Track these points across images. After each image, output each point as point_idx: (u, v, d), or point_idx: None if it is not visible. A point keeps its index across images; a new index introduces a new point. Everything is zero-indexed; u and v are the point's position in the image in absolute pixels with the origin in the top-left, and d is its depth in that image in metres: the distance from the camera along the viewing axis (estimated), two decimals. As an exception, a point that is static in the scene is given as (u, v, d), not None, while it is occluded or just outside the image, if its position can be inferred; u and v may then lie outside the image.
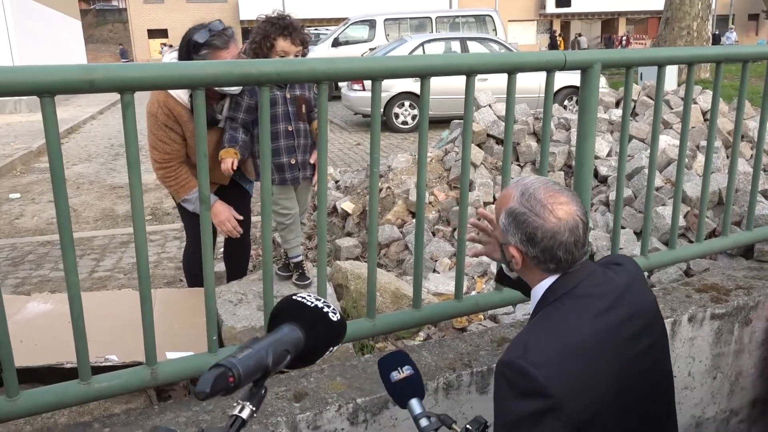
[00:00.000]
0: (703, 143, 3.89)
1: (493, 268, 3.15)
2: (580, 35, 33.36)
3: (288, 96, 2.57)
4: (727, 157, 3.78)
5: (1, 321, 1.49)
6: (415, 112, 10.43)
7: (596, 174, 3.88)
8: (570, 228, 1.34)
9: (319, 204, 1.87)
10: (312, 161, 2.66)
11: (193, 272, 2.86)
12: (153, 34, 34.04)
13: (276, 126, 2.56)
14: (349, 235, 3.97)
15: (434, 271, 3.27)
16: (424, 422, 1.34)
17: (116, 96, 17.93)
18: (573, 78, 10.05)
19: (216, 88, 2.51)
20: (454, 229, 3.64)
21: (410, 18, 15.51)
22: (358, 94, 10.44)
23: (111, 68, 1.42)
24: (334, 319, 0.99)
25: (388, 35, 14.88)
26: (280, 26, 2.51)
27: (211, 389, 0.85)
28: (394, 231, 3.65)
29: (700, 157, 3.68)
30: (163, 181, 2.60)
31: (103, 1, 45.87)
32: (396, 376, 1.41)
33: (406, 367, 1.42)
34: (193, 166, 2.54)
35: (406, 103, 10.35)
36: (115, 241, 4.84)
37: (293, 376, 2.07)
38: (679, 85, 8.47)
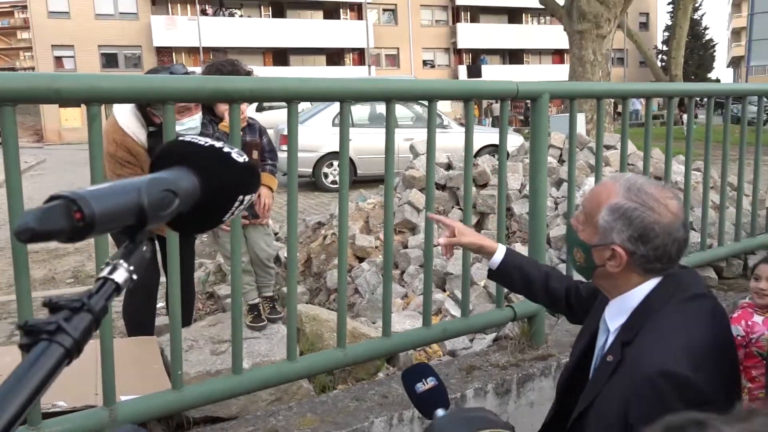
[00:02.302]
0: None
1: (447, 305, 3.14)
2: (495, 101, 35.29)
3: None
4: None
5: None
6: (344, 171, 10.54)
7: (534, 215, 4.01)
8: (683, 224, 1.27)
9: (289, 235, 1.81)
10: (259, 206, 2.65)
11: (135, 318, 2.68)
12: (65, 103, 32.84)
13: None
14: (293, 283, 3.87)
15: (387, 311, 3.23)
16: None
17: (25, 165, 17.03)
18: (493, 137, 10.58)
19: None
20: (403, 272, 3.63)
21: (333, 84, 15.90)
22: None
23: (79, 78, 1.36)
24: (240, 160, 0.73)
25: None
26: (223, 74, 2.49)
27: (40, 224, 0.54)
28: (342, 275, 3.59)
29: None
30: None
31: None
32: (421, 387, 1.44)
33: (430, 378, 1.45)
34: None
35: (335, 163, 10.45)
36: (34, 304, 4.47)
37: (259, 416, 1.94)
38: (588, 133, 9.11)
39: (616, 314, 1.33)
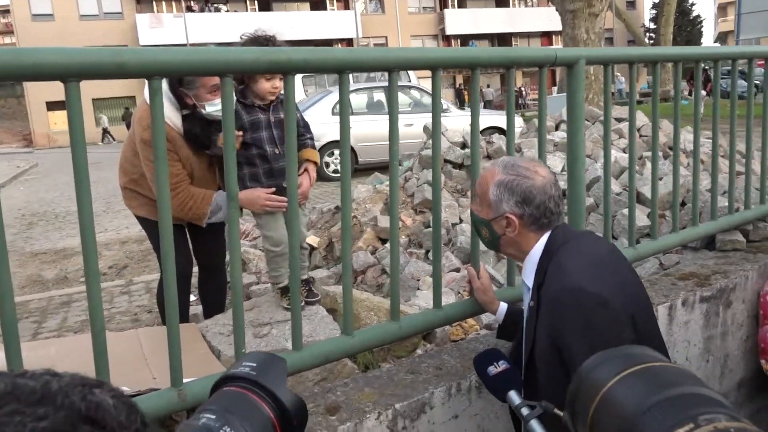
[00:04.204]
0: (646, 154, 4.15)
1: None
2: (487, 86, 35.37)
3: (272, 119, 2.47)
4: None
5: (15, 354, 1.31)
6: (345, 160, 10.52)
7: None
8: (553, 183, 1.53)
9: (343, 213, 1.80)
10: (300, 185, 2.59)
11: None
12: (52, 106, 32.51)
13: (262, 150, 2.44)
14: (316, 268, 3.86)
15: (418, 289, 3.22)
16: (525, 410, 1.41)
17: (17, 170, 16.90)
18: (495, 120, 10.59)
19: (208, 116, 2.37)
20: (428, 251, 3.63)
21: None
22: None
23: (141, 52, 1.33)
24: None
25: (306, 90, 15.05)
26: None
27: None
28: (368, 257, 3.59)
29: (648, 165, 3.90)
30: (181, 207, 2.40)
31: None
32: (493, 370, 1.51)
33: (502, 362, 1.52)
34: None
35: (336, 152, 10.41)
36: (53, 302, 4.44)
37: (317, 392, 1.93)
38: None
39: (529, 271, 1.54)
